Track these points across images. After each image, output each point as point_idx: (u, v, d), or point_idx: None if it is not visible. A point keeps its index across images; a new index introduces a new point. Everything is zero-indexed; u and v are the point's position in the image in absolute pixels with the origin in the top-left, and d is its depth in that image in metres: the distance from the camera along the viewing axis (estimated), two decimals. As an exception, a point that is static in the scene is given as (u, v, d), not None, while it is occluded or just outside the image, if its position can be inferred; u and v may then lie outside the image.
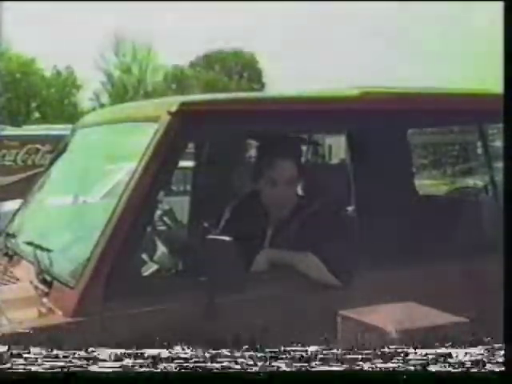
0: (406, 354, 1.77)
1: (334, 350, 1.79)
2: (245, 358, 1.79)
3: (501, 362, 1.75)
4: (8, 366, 1.78)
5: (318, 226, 2.60)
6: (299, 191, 2.92)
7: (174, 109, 2.44)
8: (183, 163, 2.82)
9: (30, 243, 2.59)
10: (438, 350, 1.77)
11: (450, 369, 1.75)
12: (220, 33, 49.97)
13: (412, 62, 42.80)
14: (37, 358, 1.79)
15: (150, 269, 2.51)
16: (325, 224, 2.61)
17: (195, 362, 1.80)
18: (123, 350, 1.81)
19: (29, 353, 1.80)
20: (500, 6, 1.99)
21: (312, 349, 1.80)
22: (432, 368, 1.75)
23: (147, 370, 1.79)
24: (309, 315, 2.41)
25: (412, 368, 1.75)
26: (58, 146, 3.55)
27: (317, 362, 1.78)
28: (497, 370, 1.75)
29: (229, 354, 1.79)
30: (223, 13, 47.31)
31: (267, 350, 1.80)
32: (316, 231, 2.57)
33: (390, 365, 1.76)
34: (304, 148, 3.15)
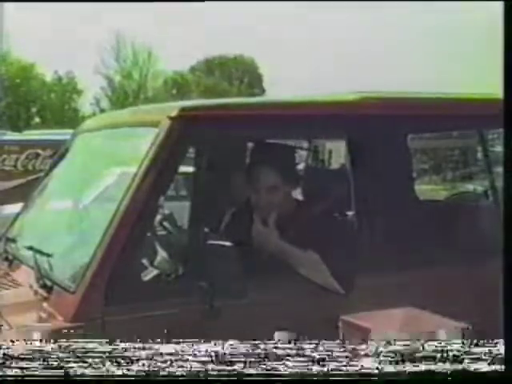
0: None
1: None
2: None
3: (501, 362, 1.75)
4: (7, 372, 1.77)
5: (316, 230, 2.59)
6: (298, 196, 2.92)
7: (174, 114, 2.44)
8: (183, 168, 2.82)
9: (30, 248, 2.59)
10: (438, 350, 1.77)
11: (450, 368, 1.75)
12: (221, 37, 49.94)
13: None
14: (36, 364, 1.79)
15: (150, 274, 2.50)
16: (324, 229, 2.61)
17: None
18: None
19: (28, 357, 1.80)
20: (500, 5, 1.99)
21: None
22: (431, 368, 1.75)
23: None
24: (309, 319, 2.41)
25: (411, 367, 1.75)
26: (59, 150, 3.55)
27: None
28: (496, 369, 1.75)
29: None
30: (224, 16, 47.27)
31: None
32: (315, 236, 2.57)
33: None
34: (298, 154, 3.15)
